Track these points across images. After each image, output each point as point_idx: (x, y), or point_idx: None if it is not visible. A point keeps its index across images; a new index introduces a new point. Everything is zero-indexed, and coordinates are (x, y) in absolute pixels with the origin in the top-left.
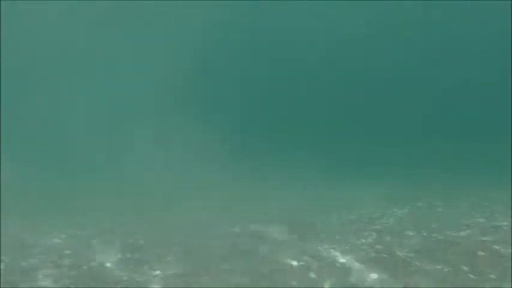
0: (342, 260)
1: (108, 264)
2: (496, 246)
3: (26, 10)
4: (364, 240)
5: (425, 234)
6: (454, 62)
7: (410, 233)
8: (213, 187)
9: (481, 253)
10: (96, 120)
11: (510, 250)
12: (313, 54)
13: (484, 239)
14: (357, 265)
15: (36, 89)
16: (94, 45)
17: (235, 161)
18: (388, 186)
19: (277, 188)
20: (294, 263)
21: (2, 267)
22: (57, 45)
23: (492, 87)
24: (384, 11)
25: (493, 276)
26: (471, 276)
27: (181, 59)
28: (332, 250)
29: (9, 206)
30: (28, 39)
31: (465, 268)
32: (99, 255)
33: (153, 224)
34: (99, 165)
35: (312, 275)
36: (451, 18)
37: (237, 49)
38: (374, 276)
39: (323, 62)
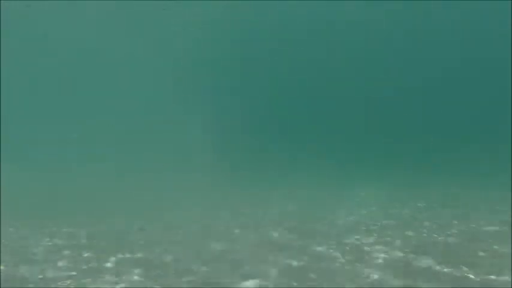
0: (342, 260)
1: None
2: (495, 246)
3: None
4: (364, 241)
5: (425, 235)
6: (454, 61)
7: (411, 233)
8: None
9: (481, 253)
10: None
11: (510, 250)
12: (313, 54)
13: (484, 239)
14: (357, 265)
15: (39, 91)
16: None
17: (233, 161)
18: (388, 187)
19: (277, 188)
20: (294, 263)
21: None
22: (61, 45)
23: (492, 87)
24: (387, 13)
25: (493, 277)
26: (471, 276)
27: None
28: (332, 250)
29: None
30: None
31: (465, 268)
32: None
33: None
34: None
35: (312, 275)
36: (451, 19)
37: (237, 49)
38: (374, 276)
39: (323, 63)
